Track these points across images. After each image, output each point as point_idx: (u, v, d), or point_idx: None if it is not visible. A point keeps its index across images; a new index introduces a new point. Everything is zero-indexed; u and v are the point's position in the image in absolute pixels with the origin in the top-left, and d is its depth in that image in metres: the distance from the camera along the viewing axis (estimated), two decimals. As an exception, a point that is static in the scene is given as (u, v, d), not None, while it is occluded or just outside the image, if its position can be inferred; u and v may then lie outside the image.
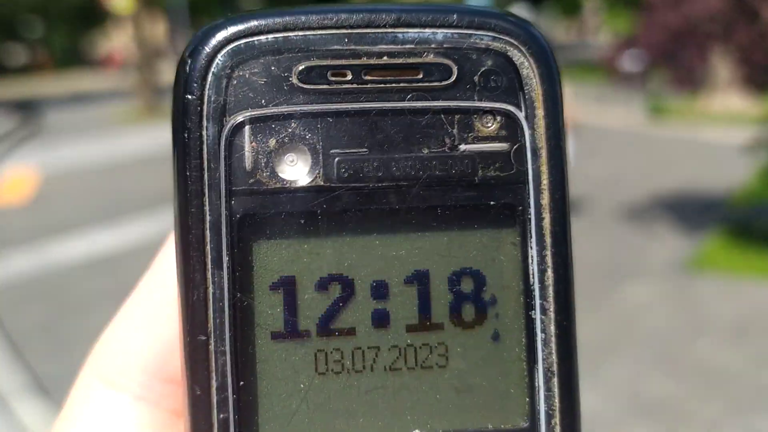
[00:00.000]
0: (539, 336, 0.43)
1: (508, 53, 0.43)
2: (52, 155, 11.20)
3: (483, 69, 0.43)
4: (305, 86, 0.42)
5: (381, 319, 0.43)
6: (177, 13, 27.12)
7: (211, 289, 0.41)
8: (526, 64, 0.43)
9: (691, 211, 7.10)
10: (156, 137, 11.75)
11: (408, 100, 0.43)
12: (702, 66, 7.93)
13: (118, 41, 28.54)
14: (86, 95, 21.46)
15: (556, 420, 0.43)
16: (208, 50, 0.42)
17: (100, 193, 8.92)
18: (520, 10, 9.55)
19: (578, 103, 7.83)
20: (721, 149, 9.76)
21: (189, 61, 0.42)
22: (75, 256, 6.46)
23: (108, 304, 1.26)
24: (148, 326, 0.47)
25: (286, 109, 0.42)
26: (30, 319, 5.18)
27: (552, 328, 0.43)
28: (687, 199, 7.53)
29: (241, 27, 0.42)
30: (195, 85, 0.41)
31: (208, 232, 0.41)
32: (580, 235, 6.23)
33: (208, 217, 0.41)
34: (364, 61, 0.42)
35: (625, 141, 10.97)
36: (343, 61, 0.42)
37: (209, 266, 0.41)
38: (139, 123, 14.83)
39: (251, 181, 0.42)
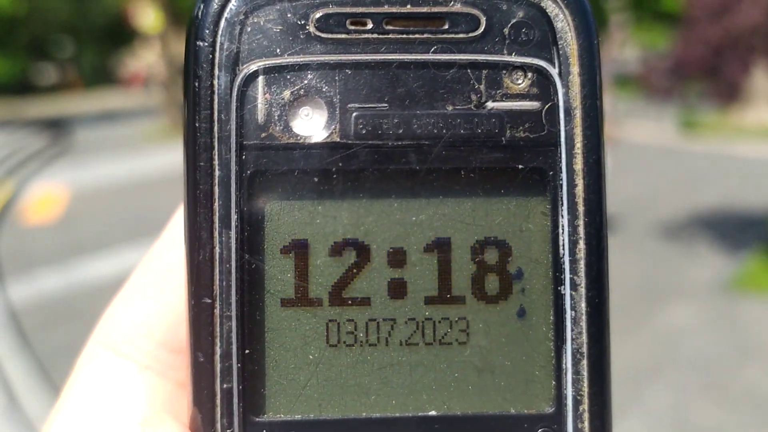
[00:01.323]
0: (568, 314, 0.39)
1: (542, 4, 0.40)
2: (81, 174, 11.31)
3: (514, 20, 0.40)
4: (323, 35, 0.39)
5: (398, 290, 0.39)
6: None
7: (217, 249, 0.38)
8: (561, 16, 0.40)
9: (730, 229, 6.92)
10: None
11: (432, 53, 0.39)
12: (744, 79, 7.79)
13: (145, 60, 29.00)
14: (114, 113, 21.79)
15: (585, 406, 0.39)
16: None
17: (129, 211, 8.96)
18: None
19: (615, 117, 7.68)
20: (759, 164, 9.57)
21: (201, 6, 0.39)
22: (103, 275, 6.44)
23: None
24: (158, 291, 0.44)
25: (302, 59, 0.39)
26: (57, 338, 5.15)
27: (582, 305, 0.39)
28: (726, 216, 7.35)
29: None
30: (207, 31, 0.39)
31: (216, 189, 0.38)
32: (616, 254, 6.07)
33: (216, 173, 0.38)
34: (386, 9, 0.39)
35: (658, 156, 10.81)
36: (363, 9, 0.39)
37: (216, 225, 0.38)
38: (167, 140, 14.96)
39: (263, 135, 0.39)
